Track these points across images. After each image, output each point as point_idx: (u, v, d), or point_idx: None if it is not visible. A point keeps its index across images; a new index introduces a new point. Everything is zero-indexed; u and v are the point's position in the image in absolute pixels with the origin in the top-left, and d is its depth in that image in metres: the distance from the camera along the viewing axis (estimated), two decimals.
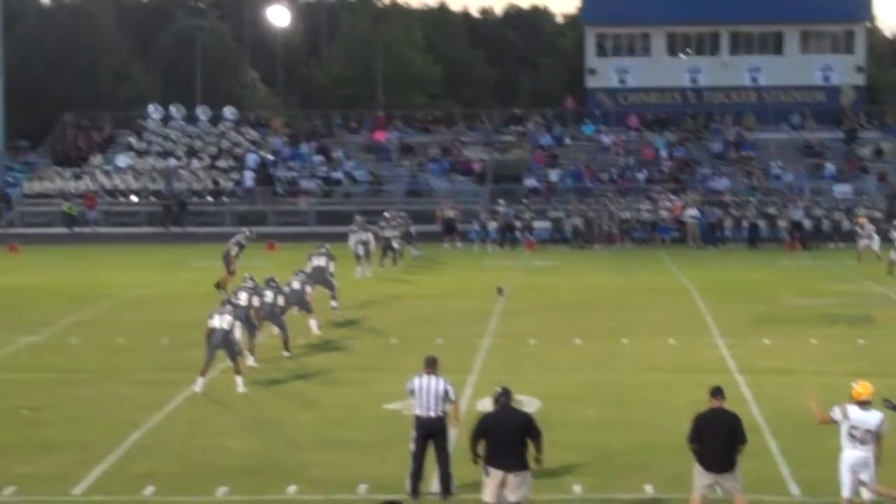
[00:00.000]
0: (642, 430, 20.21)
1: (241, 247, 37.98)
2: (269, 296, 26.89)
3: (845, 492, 15.03)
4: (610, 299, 35.92)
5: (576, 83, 76.98)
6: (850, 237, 49.16)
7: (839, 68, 67.90)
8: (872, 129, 65.86)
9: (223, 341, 23.27)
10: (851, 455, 14.97)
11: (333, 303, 32.61)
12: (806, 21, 68.14)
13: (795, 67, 67.50)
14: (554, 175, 61.64)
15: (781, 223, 53.38)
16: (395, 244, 44.69)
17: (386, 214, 46.10)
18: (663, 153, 63.43)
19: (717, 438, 14.86)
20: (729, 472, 14.86)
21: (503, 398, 15.49)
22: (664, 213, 54.54)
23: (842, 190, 59.35)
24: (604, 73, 69.10)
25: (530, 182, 61.13)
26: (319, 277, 32.43)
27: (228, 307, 23.97)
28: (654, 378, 24.55)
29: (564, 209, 54.86)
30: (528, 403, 20.92)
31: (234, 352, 23.47)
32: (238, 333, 23.87)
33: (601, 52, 69.53)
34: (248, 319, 25.79)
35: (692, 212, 53.63)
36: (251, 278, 27.31)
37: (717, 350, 27.53)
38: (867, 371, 22.67)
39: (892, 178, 60.75)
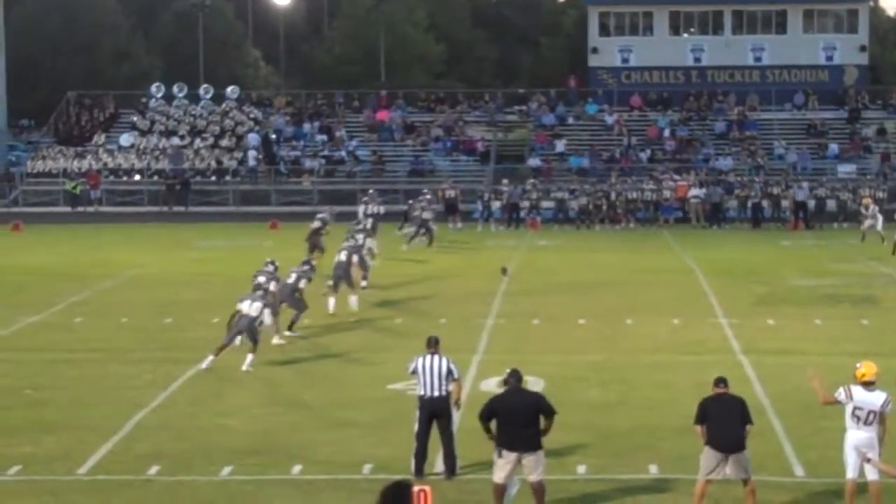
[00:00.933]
0: (647, 410, 20.20)
1: (324, 223, 38.31)
2: (292, 277, 26.84)
3: (850, 472, 15.01)
4: (613, 279, 35.86)
5: (578, 62, 76.87)
6: (855, 217, 49.08)
7: (842, 48, 67.72)
8: (876, 109, 65.75)
9: (248, 328, 23.27)
10: (856, 435, 14.95)
11: (363, 282, 32.58)
12: (809, 0, 67.97)
13: (799, 47, 67.32)
14: (560, 145, 61.62)
15: (785, 203, 53.26)
16: (433, 225, 44.71)
17: (427, 195, 46.25)
18: (666, 133, 63.32)
19: (727, 418, 14.84)
20: (739, 451, 14.83)
21: (512, 380, 15.47)
22: (667, 193, 54.44)
23: (845, 170, 59.29)
24: (606, 52, 68.91)
25: (533, 162, 61.08)
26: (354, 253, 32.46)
27: (259, 293, 23.92)
28: (658, 358, 24.54)
29: (568, 189, 54.75)
30: (532, 383, 20.91)
31: (255, 339, 23.45)
32: (269, 320, 23.85)
33: (604, 31, 69.36)
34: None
35: (696, 191, 53.54)
36: (272, 262, 27.16)
37: (721, 330, 27.48)
38: (871, 351, 22.66)
39: (895, 158, 60.67)
